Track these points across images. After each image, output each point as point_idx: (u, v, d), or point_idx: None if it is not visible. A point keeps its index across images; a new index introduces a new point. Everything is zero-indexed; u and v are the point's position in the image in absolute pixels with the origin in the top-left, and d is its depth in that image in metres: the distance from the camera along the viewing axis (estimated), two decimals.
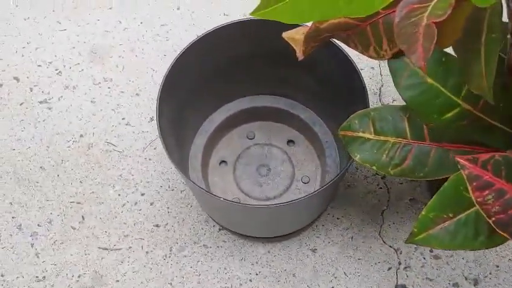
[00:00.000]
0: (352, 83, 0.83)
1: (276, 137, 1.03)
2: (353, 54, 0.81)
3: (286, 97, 1.01)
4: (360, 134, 0.72)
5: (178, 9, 1.20)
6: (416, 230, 0.64)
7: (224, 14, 1.19)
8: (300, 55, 0.67)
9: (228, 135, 1.03)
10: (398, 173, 0.70)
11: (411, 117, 0.70)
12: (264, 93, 1.02)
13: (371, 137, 0.72)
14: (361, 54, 0.66)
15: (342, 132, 0.73)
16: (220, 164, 1.01)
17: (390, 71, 0.66)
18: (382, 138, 0.71)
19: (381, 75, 1.11)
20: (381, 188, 1.01)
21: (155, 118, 1.07)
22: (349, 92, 0.85)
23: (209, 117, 1.01)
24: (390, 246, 0.97)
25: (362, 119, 0.72)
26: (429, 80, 0.64)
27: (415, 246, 0.96)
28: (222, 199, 0.72)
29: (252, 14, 0.57)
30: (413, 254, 0.96)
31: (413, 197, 1.00)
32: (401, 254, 0.96)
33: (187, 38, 1.15)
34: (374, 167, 0.71)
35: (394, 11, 0.61)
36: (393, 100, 1.08)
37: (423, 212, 0.64)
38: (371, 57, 0.67)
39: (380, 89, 1.10)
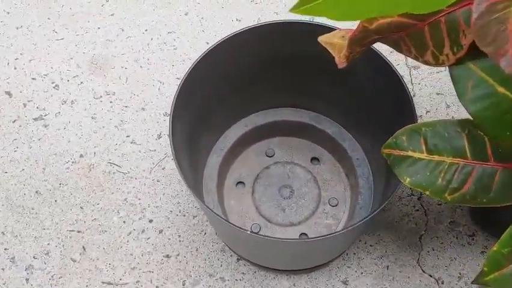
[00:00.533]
0: (392, 94, 0.72)
1: (299, 155, 0.92)
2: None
3: (310, 110, 0.91)
4: (410, 153, 0.62)
5: (186, 14, 1.10)
6: (486, 269, 0.54)
7: (236, 20, 1.09)
8: (341, 62, 0.57)
9: (244, 152, 0.93)
10: (457, 199, 0.60)
11: (471, 133, 0.60)
12: (285, 105, 0.92)
13: (422, 156, 0.61)
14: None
15: (386, 151, 0.63)
16: (236, 185, 0.90)
17: (452, 79, 0.56)
18: (436, 158, 0.61)
19: (412, 83, 1.01)
20: (417, 210, 0.90)
21: (163, 135, 0.97)
22: (388, 103, 0.75)
23: (224, 134, 0.91)
24: (431, 276, 0.86)
25: (411, 136, 0.62)
26: (501, 90, 0.53)
27: (458, 274, 0.86)
28: (249, 232, 0.62)
29: (291, 10, 0.46)
30: (456, 283, 0.85)
31: (453, 220, 0.90)
32: (442, 284, 0.85)
33: (197, 46, 1.05)
34: (428, 192, 0.60)
35: (461, 8, 0.51)
36: (427, 111, 0.98)
37: (494, 248, 0.53)
38: (426, 63, 0.57)
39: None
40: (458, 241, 0.88)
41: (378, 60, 0.71)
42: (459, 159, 0.60)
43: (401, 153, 0.62)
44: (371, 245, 0.88)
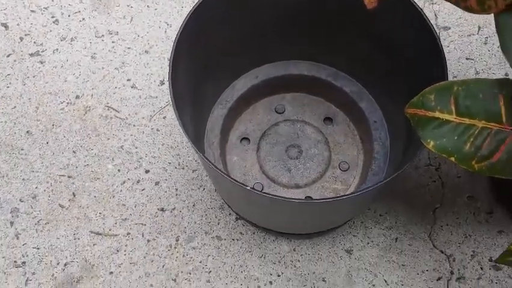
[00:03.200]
0: (421, 48, 0.65)
1: (311, 113, 0.85)
2: None
3: (329, 65, 0.83)
4: (437, 114, 0.55)
5: None
6: None
7: None
8: (370, 1, 0.49)
9: (252, 107, 0.86)
10: (485, 168, 0.53)
11: (509, 95, 0.52)
12: (302, 58, 0.84)
13: (451, 118, 0.54)
14: None
15: (410, 110, 0.56)
16: (241, 141, 0.84)
17: (497, 29, 0.48)
18: (467, 121, 0.54)
19: None
20: (434, 181, 0.84)
21: (166, 81, 0.90)
22: (416, 60, 0.67)
23: (231, 84, 0.84)
24: (442, 252, 0.80)
25: (440, 94, 0.55)
26: None
27: (471, 253, 0.80)
28: (249, 188, 0.56)
29: None
30: (468, 262, 0.79)
31: (472, 195, 0.83)
32: (453, 261, 0.79)
33: None
34: (453, 159, 0.54)
35: None
36: (454, 77, 0.90)
37: None
38: (469, 9, 0.49)
39: None
40: (475, 217, 0.82)
41: (408, 8, 0.63)
42: (493, 124, 0.53)
43: (427, 114, 0.55)
44: (380, 215, 0.82)
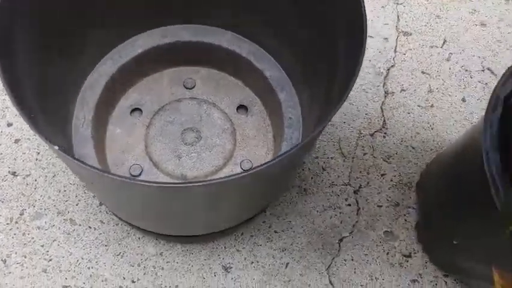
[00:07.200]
0: (349, 36, 0.50)
1: (224, 96, 0.70)
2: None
3: (254, 41, 0.69)
4: None
5: None
6: None
7: None
8: None
9: (156, 74, 0.71)
10: None
11: None
12: (226, 26, 0.69)
13: None
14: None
15: None
16: (132, 112, 0.69)
17: None
18: None
19: (396, 51, 0.78)
20: (349, 205, 0.69)
21: None
22: (341, 46, 0.53)
23: (133, 38, 0.68)
24: None
25: None
26: None
27: None
28: (56, 148, 0.40)
29: None
30: None
31: (391, 230, 0.69)
32: None
33: None
34: None
35: None
36: (402, 89, 0.76)
37: None
38: None
39: (388, 70, 0.77)
40: (388, 258, 0.67)
41: None
42: None
43: None
44: (275, 231, 0.67)
